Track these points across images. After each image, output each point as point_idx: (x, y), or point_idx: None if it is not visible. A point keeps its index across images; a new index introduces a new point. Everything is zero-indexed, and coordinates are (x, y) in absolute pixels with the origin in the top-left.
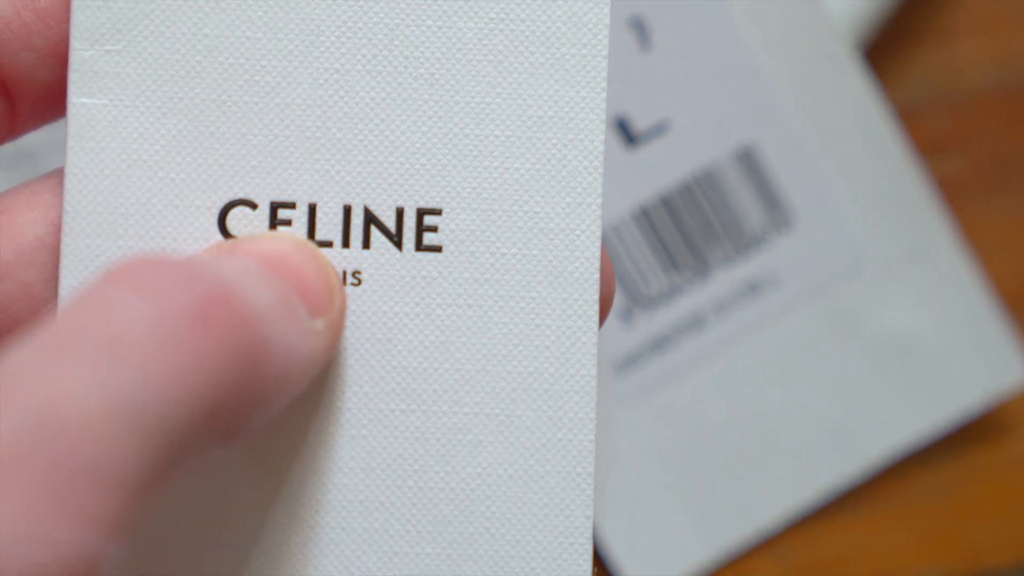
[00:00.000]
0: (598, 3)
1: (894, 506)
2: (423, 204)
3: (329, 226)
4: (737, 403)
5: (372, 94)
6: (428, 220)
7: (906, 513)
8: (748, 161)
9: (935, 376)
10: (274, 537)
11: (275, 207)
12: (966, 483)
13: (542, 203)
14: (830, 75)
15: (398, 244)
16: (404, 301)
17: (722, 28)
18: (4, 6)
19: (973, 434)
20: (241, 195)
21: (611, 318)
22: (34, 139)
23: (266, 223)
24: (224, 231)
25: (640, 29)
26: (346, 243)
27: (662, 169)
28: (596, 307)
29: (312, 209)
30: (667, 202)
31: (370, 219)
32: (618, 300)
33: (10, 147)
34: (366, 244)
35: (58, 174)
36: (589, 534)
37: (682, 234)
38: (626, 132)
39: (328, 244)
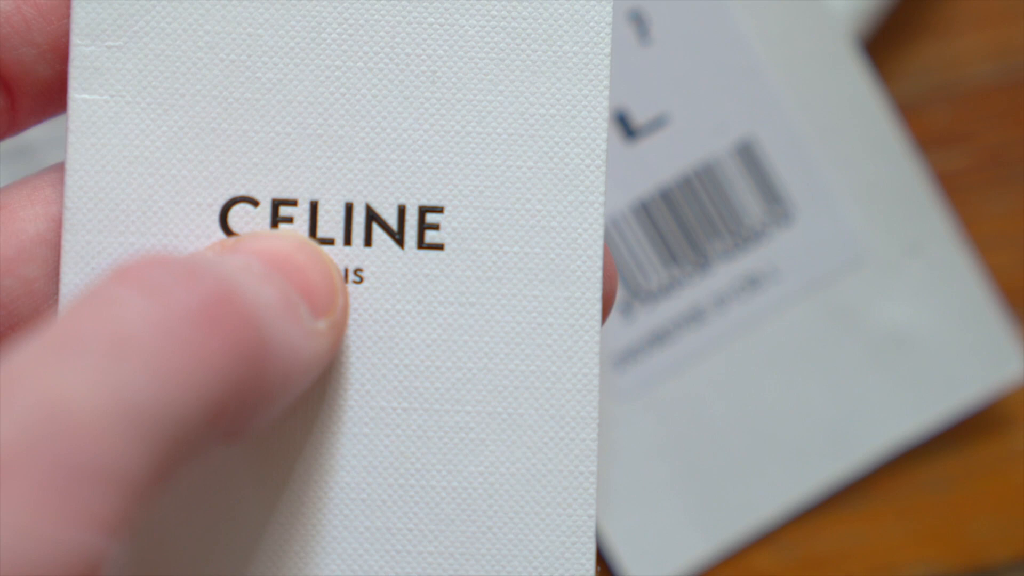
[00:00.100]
0: (600, 1)
1: (894, 500)
2: (425, 202)
3: (331, 223)
4: (737, 397)
5: (374, 91)
6: (430, 218)
7: (906, 507)
8: (747, 155)
9: (935, 370)
10: (276, 535)
11: (277, 204)
12: (966, 477)
13: (544, 201)
14: (829, 69)
15: (400, 242)
16: (406, 299)
17: (721, 22)
18: (4, 2)
19: (973, 428)
20: (243, 192)
21: (611, 312)
22: (33, 134)
23: (268, 220)
24: (226, 228)
25: (639, 23)
26: (348, 241)
27: (661, 163)
28: (598, 305)
29: (314, 206)
30: (666, 196)
31: (372, 217)
32: (618, 294)
33: (9, 142)
34: (368, 242)
35: (58, 169)
36: (592, 533)
37: (681, 228)
38: (625, 126)
39: (330, 242)
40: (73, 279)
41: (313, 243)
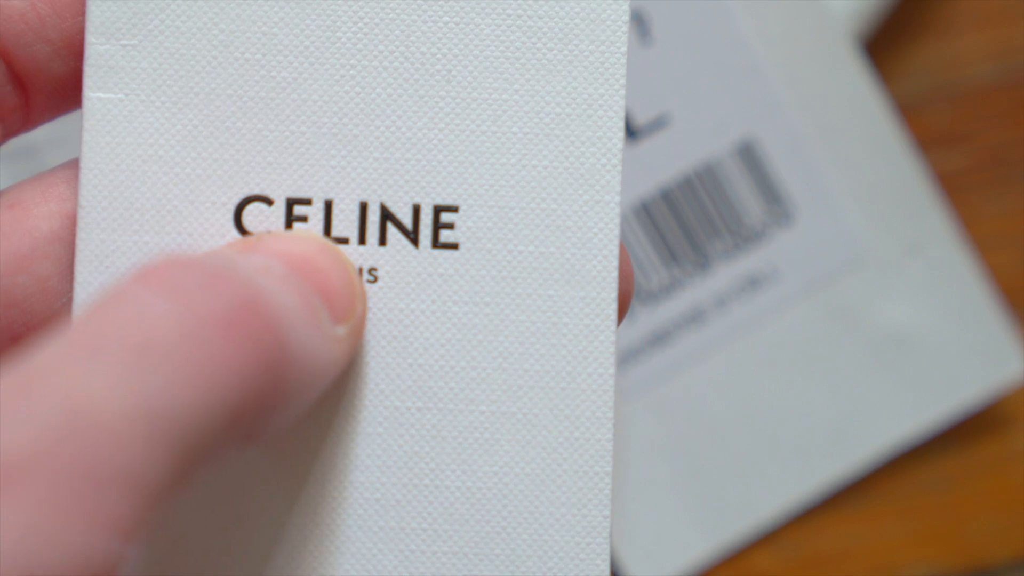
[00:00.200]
0: (617, 0)
1: (894, 500)
2: (440, 201)
3: (345, 223)
4: (737, 397)
5: (389, 90)
6: (445, 217)
7: (906, 507)
8: (748, 155)
9: (935, 370)
10: (290, 535)
11: (291, 203)
12: (966, 477)
13: (560, 201)
14: (830, 69)
15: (414, 241)
16: (420, 298)
17: (722, 22)
18: None
19: (973, 428)
20: (257, 191)
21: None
22: (36, 134)
23: (282, 219)
24: (240, 227)
25: (640, 23)
26: (362, 240)
27: (662, 163)
28: (614, 305)
29: (328, 206)
30: (667, 196)
31: (386, 216)
32: None
33: (10, 142)
34: (382, 241)
35: (72, 166)
36: (607, 534)
37: (682, 228)
38: (626, 126)
39: (344, 241)
40: (88, 278)
41: (334, 245)
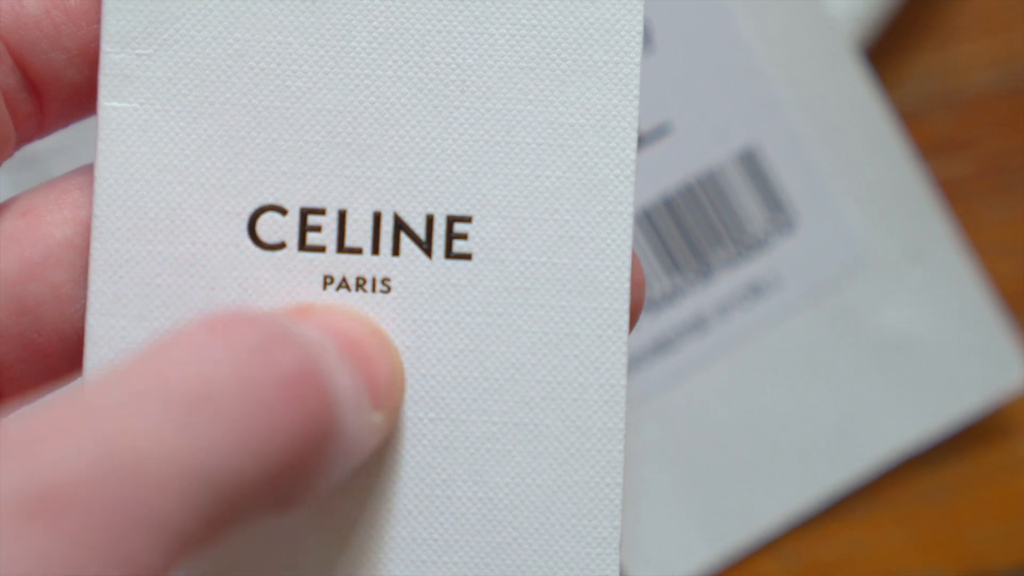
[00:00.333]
0: (631, 10)
1: (897, 508)
2: (453, 211)
3: (359, 233)
4: (740, 404)
5: (403, 100)
6: (458, 227)
7: (909, 515)
8: (750, 162)
9: (937, 377)
10: (299, 541)
11: (305, 213)
12: (967, 485)
13: (573, 211)
14: (832, 76)
15: (428, 251)
16: (433, 309)
17: (724, 29)
18: (34, 6)
19: (974, 436)
20: (271, 201)
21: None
22: (39, 144)
23: (296, 229)
24: (254, 236)
25: (643, 31)
26: (375, 250)
27: (664, 171)
28: (626, 316)
29: (342, 215)
30: (669, 204)
31: (400, 226)
32: None
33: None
34: (395, 251)
35: (84, 172)
36: (617, 544)
37: (684, 236)
38: None
39: (357, 251)
40: (102, 286)
41: (382, 330)
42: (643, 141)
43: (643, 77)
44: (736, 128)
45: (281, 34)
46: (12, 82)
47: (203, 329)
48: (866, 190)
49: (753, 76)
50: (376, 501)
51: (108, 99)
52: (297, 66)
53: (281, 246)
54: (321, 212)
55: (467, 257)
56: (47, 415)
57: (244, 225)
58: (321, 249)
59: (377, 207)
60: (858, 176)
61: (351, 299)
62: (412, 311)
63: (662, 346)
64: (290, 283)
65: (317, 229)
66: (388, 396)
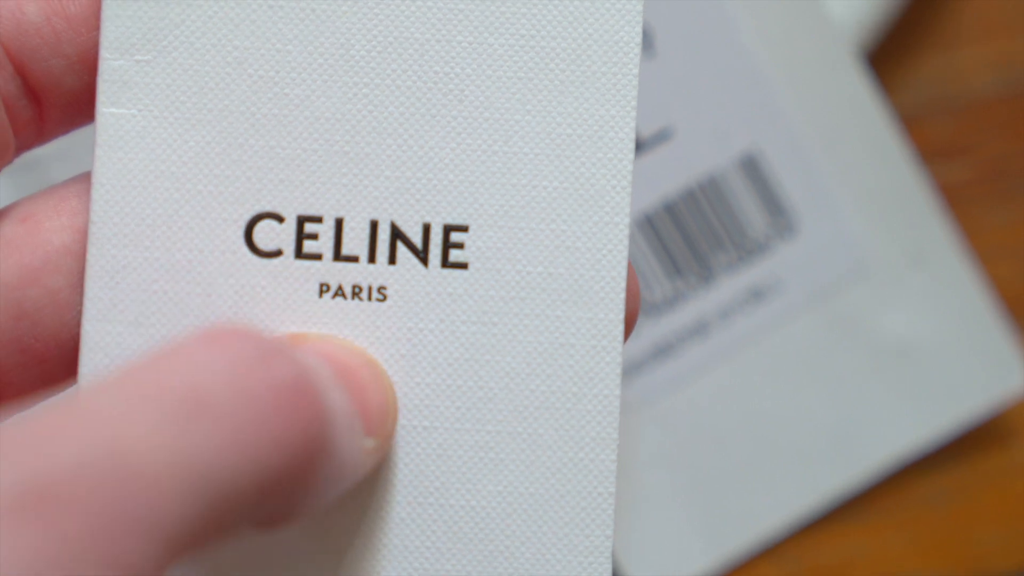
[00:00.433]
0: (629, 22)
1: (897, 512)
2: (450, 220)
3: (355, 241)
4: (741, 409)
5: (401, 109)
6: (454, 237)
7: (909, 519)
8: (751, 167)
9: (938, 382)
10: (292, 548)
11: (302, 221)
12: (969, 489)
13: (569, 221)
14: (833, 81)
15: (424, 260)
16: (429, 318)
17: (725, 34)
18: (34, 13)
19: (975, 440)
20: (268, 208)
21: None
22: (40, 148)
23: (293, 237)
24: (251, 244)
25: (643, 36)
26: (372, 258)
27: (666, 176)
28: (621, 327)
29: (339, 223)
30: (671, 209)
31: (396, 235)
32: None
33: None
34: (392, 260)
35: (83, 179)
36: (609, 554)
37: (686, 240)
38: None
39: (354, 259)
40: (98, 292)
41: (378, 363)
42: (644, 146)
43: (644, 82)
44: (737, 133)
45: (280, 42)
46: (12, 89)
47: (201, 340)
48: (867, 195)
49: (754, 81)
50: (370, 509)
51: (106, 105)
52: (296, 74)
53: (278, 253)
54: (318, 220)
55: (463, 266)
56: (43, 418)
57: (241, 232)
58: (317, 257)
59: (374, 215)
60: (859, 181)
61: (347, 307)
62: (408, 319)
63: (663, 350)
64: (286, 290)
65: (314, 237)
66: (380, 424)
